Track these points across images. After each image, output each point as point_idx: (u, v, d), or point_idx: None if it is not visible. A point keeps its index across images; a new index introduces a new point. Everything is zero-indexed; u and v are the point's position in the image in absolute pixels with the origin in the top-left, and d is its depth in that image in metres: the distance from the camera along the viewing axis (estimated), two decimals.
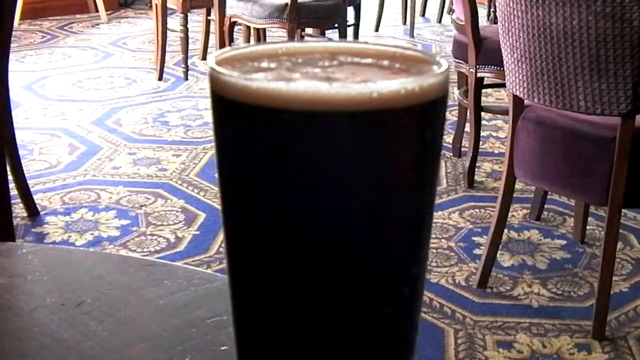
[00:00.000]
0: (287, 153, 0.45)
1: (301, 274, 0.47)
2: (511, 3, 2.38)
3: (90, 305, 0.77)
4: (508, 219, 3.29)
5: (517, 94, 2.52)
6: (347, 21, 5.24)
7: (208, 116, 4.71)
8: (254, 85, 0.45)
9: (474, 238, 3.14)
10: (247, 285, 0.50)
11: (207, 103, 4.99)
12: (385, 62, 0.51)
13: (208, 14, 5.91)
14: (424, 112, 0.46)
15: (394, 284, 0.49)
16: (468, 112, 3.76)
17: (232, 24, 4.99)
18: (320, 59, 0.51)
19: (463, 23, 3.55)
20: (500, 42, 2.55)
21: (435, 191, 0.50)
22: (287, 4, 4.69)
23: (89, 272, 0.85)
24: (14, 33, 7.15)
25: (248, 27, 5.35)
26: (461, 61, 3.68)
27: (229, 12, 4.96)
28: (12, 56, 6.31)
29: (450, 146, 4.10)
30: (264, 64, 0.50)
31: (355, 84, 0.46)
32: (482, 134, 4.23)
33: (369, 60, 0.51)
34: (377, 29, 7.25)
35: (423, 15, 7.90)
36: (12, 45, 6.70)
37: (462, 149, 3.99)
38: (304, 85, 0.45)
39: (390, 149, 0.45)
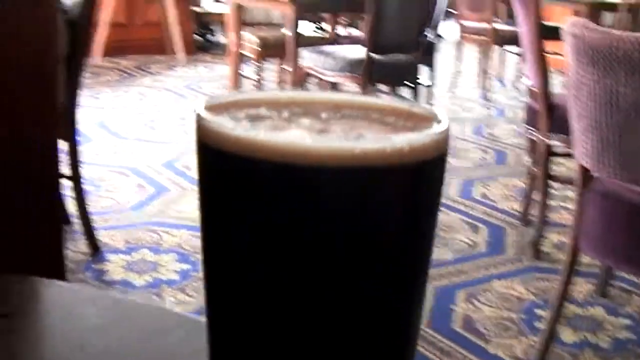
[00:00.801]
0: (264, 204, 0.43)
1: (275, 329, 0.46)
2: (580, 71, 2.33)
3: None
4: (572, 294, 3.22)
5: (584, 164, 2.47)
6: (419, 80, 5.22)
7: None
8: (234, 134, 0.43)
9: (536, 310, 3.07)
10: (224, 330, 0.49)
11: None
12: (391, 119, 0.48)
13: (282, 63, 5.96)
14: (414, 172, 0.44)
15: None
16: (537, 180, 3.70)
17: (305, 75, 5.01)
18: (321, 110, 0.49)
19: (535, 89, 3.51)
20: (569, 110, 2.50)
21: (428, 256, 0.48)
22: (360, 59, 4.70)
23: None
24: (92, 69, 7.33)
25: (321, 79, 5.37)
26: (532, 128, 3.63)
27: (302, 63, 4.98)
28: (88, 92, 6.45)
29: (518, 214, 4.04)
30: (262, 112, 0.48)
31: (339, 139, 0.44)
32: (551, 203, 4.16)
33: (374, 115, 0.49)
34: (452, 91, 7.22)
35: (499, 79, 7.86)
36: (89, 81, 6.85)
37: (530, 218, 3.93)
38: (286, 137, 0.42)
39: (373, 207, 0.43)
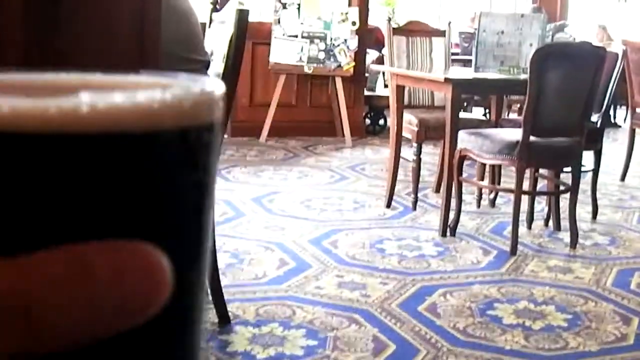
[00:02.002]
0: None
1: None
2: None
3: None
4: None
5: None
6: (582, 165, 5.00)
7: (428, 248, 4.61)
8: None
9: None
10: None
11: (429, 235, 4.89)
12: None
13: (444, 146, 5.86)
14: (151, 141, 0.32)
15: None
16: None
17: (462, 157, 4.89)
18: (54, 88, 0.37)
19: None
20: None
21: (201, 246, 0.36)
22: (517, 142, 4.55)
23: None
24: (259, 148, 7.47)
25: (479, 162, 5.25)
26: None
27: (460, 145, 4.87)
28: (251, 169, 6.57)
29: None
30: None
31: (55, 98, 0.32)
32: None
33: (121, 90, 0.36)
34: (623, 179, 6.92)
35: None
36: (254, 159, 6.97)
37: None
38: None
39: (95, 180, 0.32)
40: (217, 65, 3.26)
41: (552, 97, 4.58)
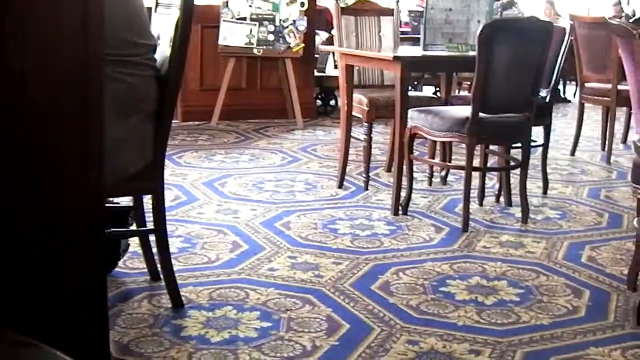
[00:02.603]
0: None
1: None
2: None
3: None
4: None
5: None
6: (532, 140, 5.03)
7: (380, 227, 4.61)
8: None
9: None
10: None
11: (381, 214, 4.90)
12: None
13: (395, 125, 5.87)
14: None
15: None
16: None
17: (413, 136, 4.90)
18: None
19: None
20: None
21: None
22: (467, 118, 4.56)
23: None
24: (210, 132, 7.42)
25: (429, 139, 5.26)
26: (639, 187, 3.42)
27: (410, 123, 4.88)
28: (203, 153, 6.52)
29: (625, 278, 3.80)
30: None
31: None
32: None
33: None
34: (573, 153, 6.98)
35: (624, 142, 7.57)
36: (205, 143, 6.93)
37: (639, 283, 3.69)
38: None
39: None
40: (164, 49, 3.22)
41: (501, 73, 4.59)
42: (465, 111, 4.67)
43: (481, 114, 4.57)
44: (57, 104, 1.79)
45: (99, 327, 1.93)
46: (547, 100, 5.38)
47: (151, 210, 3.30)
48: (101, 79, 1.87)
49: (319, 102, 9.25)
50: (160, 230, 3.29)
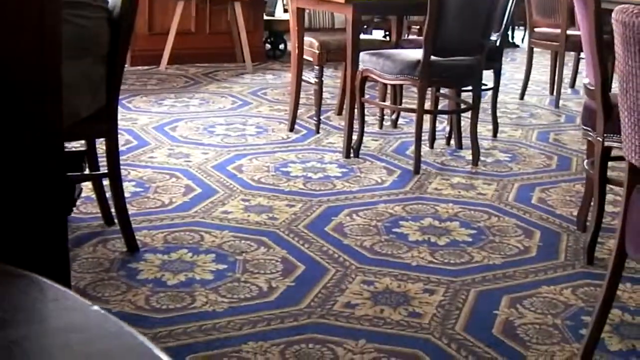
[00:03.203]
0: None
1: None
2: (630, 61, 2.18)
3: None
4: (625, 301, 3.04)
5: (632, 161, 2.31)
6: (482, 83, 5.06)
7: (331, 170, 4.63)
8: None
9: (583, 317, 2.90)
10: None
11: (333, 157, 4.91)
12: None
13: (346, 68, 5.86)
14: None
15: None
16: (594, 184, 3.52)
17: (364, 79, 4.90)
18: None
19: (592, 88, 3.34)
20: (619, 104, 2.34)
21: None
22: (418, 61, 4.57)
23: None
24: (159, 76, 7.35)
25: (380, 82, 5.27)
26: (589, 129, 3.47)
27: (361, 66, 4.87)
28: (152, 98, 6.46)
29: (575, 219, 3.87)
30: None
31: None
32: (612, 209, 3.99)
33: None
34: (522, 97, 7.04)
35: (572, 87, 7.65)
36: (154, 87, 6.87)
37: (588, 224, 3.75)
38: None
39: None
40: None
41: (452, 16, 4.60)
42: (416, 54, 4.68)
43: (432, 57, 4.59)
44: (14, 42, 1.77)
45: (62, 266, 1.93)
46: (498, 44, 5.41)
47: (104, 154, 3.28)
48: (60, 19, 1.84)
49: (268, 45, 9.19)
50: (115, 174, 3.27)
